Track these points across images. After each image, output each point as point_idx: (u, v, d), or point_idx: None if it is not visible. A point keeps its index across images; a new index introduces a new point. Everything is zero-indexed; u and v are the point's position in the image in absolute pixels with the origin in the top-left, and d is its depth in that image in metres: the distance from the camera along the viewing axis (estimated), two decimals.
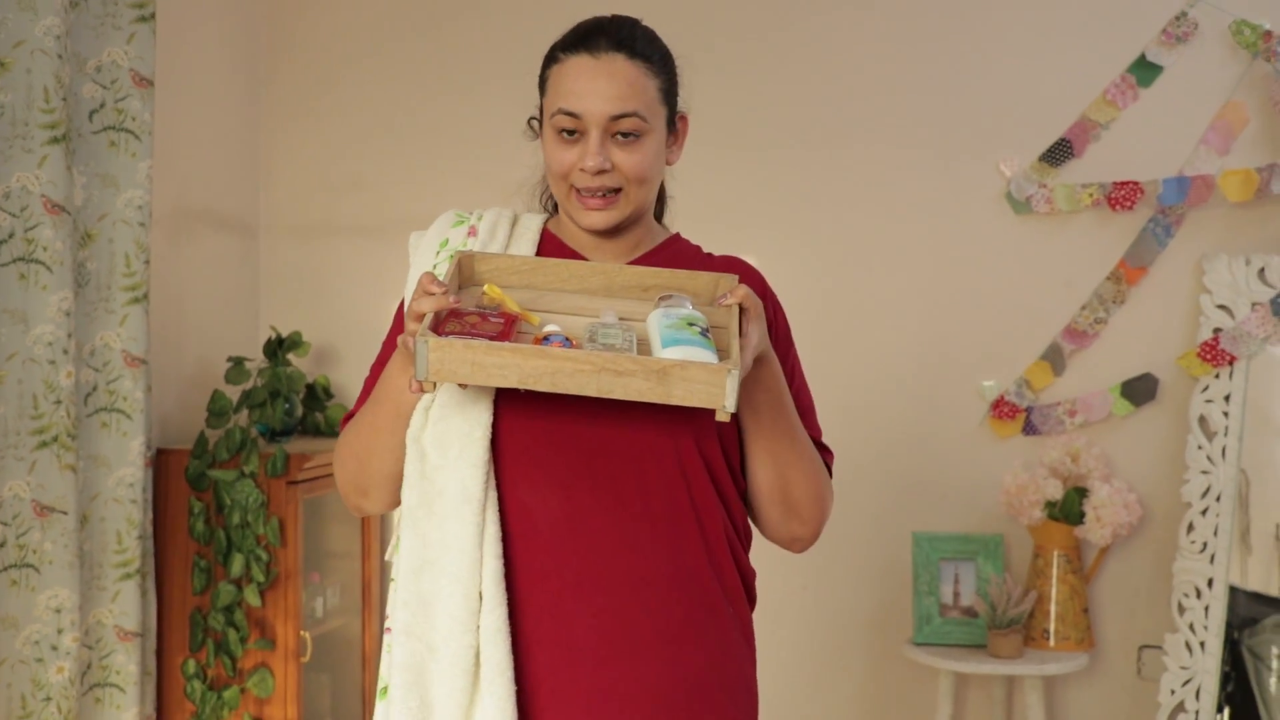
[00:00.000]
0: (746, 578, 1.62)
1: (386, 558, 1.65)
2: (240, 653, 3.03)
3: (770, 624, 3.39)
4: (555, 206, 1.72)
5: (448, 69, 3.57)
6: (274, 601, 3.05)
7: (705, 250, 1.72)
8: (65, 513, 2.69)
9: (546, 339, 1.42)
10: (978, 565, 3.12)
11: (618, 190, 1.57)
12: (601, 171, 1.54)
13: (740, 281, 1.56)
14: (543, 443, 1.51)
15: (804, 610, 3.34)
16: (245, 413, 3.21)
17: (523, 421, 1.51)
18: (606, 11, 1.64)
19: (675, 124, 1.65)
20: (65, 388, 2.68)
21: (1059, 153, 3.19)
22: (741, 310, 1.49)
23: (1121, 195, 3.12)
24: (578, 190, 1.57)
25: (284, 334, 3.39)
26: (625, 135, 1.55)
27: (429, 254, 1.63)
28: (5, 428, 2.63)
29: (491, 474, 1.50)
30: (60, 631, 2.69)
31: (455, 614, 1.45)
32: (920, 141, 3.30)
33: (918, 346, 3.30)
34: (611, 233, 1.63)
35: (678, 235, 1.74)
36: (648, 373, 1.35)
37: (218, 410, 3.14)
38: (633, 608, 1.49)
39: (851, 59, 3.35)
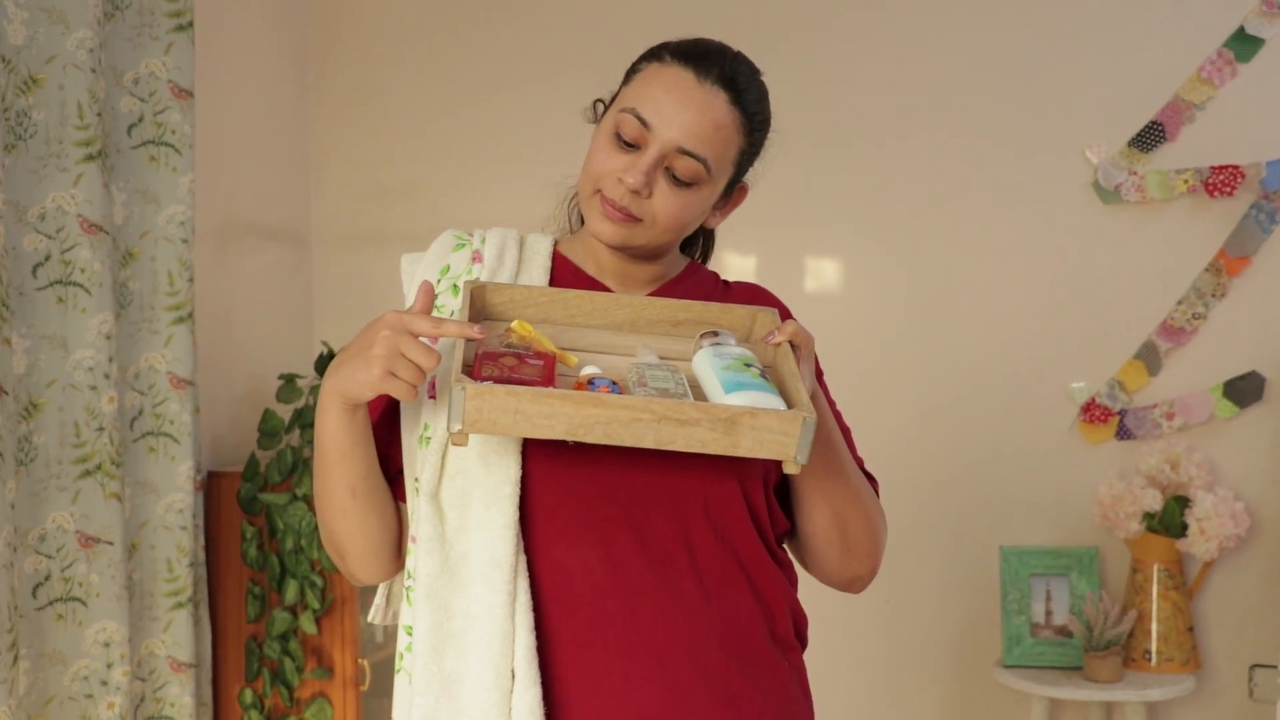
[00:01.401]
0: (799, 624, 1.47)
1: (371, 618, 1.50)
2: (297, 682, 2.92)
3: (849, 638, 3.25)
4: (583, 221, 1.56)
5: (499, 70, 3.44)
6: (330, 629, 2.93)
7: (723, 278, 1.58)
8: (111, 543, 2.60)
9: (591, 383, 1.27)
10: (1071, 581, 2.92)
11: (639, 220, 1.40)
12: (635, 193, 1.38)
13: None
14: (577, 496, 1.35)
15: (885, 626, 3.16)
16: (298, 432, 3.11)
17: (552, 472, 1.35)
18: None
19: (734, 190, 1.49)
20: (108, 414, 2.59)
21: (1150, 137, 2.98)
22: (793, 347, 1.34)
23: (1220, 180, 2.90)
24: (603, 195, 1.41)
25: (337, 349, 3.28)
26: (677, 177, 1.39)
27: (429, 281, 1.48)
28: (47, 457, 2.54)
29: (519, 534, 1.34)
30: (110, 666, 2.61)
31: (486, 696, 1.29)
32: (1000, 129, 3.10)
33: (1001, 348, 3.10)
34: (634, 261, 1.48)
35: (695, 263, 1.59)
36: (714, 422, 1.20)
37: (269, 430, 3.04)
38: (686, 673, 1.34)
39: (926, 44, 3.16)
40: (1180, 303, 2.96)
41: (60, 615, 2.56)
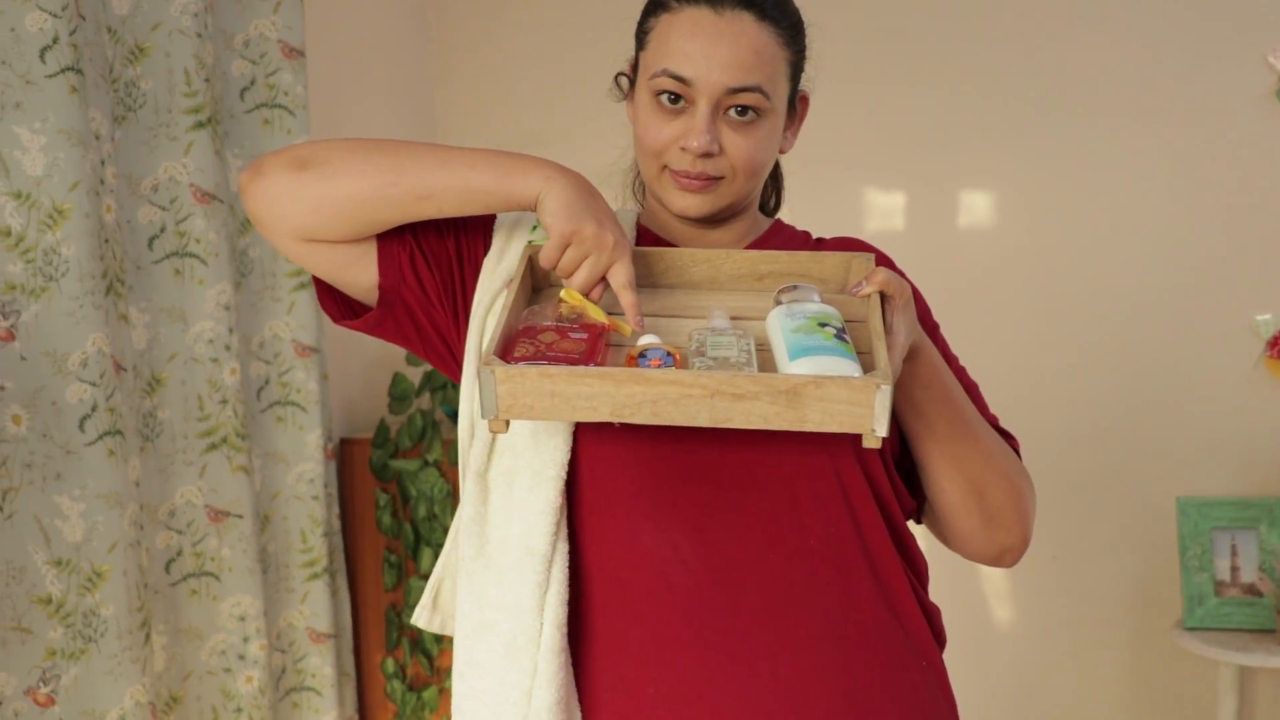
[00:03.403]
0: (932, 617, 1.31)
1: (415, 620, 1.39)
2: (437, 651, 2.87)
3: (1016, 598, 3.05)
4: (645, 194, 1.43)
5: (628, 12, 3.28)
6: None
7: (815, 236, 1.42)
8: (241, 516, 2.57)
9: (643, 355, 1.12)
10: (1260, 535, 2.66)
11: (719, 178, 1.27)
12: (707, 154, 1.24)
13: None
14: (662, 477, 1.21)
15: (1053, 584, 2.95)
16: (428, 395, 3.04)
17: (638, 447, 1.21)
18: None
19: (795, 104, 1.34)
20: (230, 385, 2.55)
21: None
22: (884, 299, 1.17)
23: None
24: (671, 169, 1.27)
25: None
26: (741, 114, 1.25)
27: (520, 239, 1.34)
28: (172, 432, 2.51)
29: (564, 522, 1.21)
30: (246, 640, 2.58)
31: (506, 694, 1.19)
32: (1169, 36, 2.82)
33: (1176, 279, 2.84)
34: (714, 223, 1.33)
35: (780, 221, 1.44)
36: (774, 394, 1.05)
37: (399, 394, 2.98)
38: (799, 678, 1.18)
39: None
40: None
41: (194, 590, 2.54)
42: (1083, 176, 2.92)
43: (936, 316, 1.41)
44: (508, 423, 1.10)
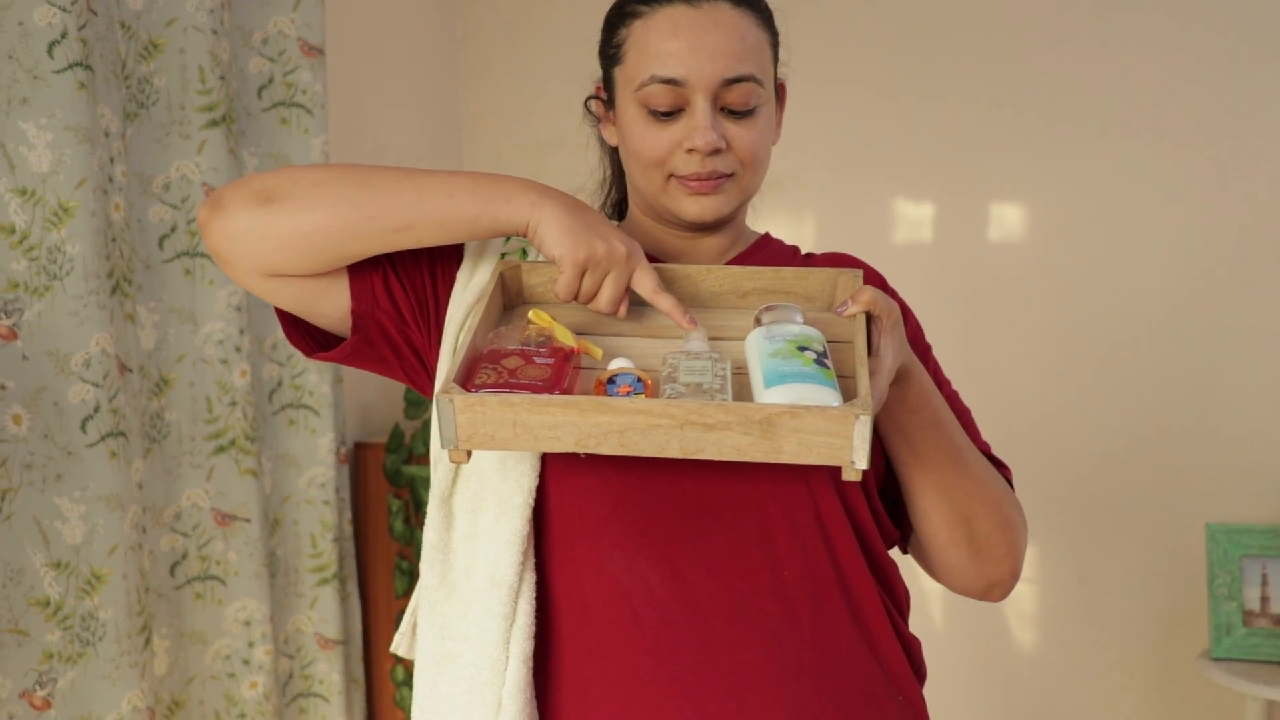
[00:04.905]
0: (911, 651, 1.25)
1: (394, 649, 1.34)
2: None
3: (1039, 619, 2.97)
4: (621, 212, 1.37)
5: None
6: None
7: (804, 251, 1.36)
8: (248, 520, 2.54)
9: (612, 381, 1.07)
10: None
11: (729, 175, 1.21)
12: (715, 151, 1.18)
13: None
14: (632, 503, 1.16)
15: (1078, 608, 2.87)
16: None
17: (608, 474, 1.16)
18: None
19: (780, 93, 1.29)
20: (240, 388, 2.52)
21: None
22: (870, 319, 1.11)
23: None
24: (678, 176, 1.21)
25: None
26: (738, 109, 1.19)
27: (493, 252, 1.28)
28: (179, 434, 2.48)
29: (531, 552, 1.16)
30: (251, 645, 2.55)
31: None
32: (1200, 48, 2.74)
33: (1207, 296, 2.76)
34: (706, 230, 1.28)
35: (768, 235, 1.37)
36: (747, 425, 0.99)
37: (414, 399, 2.94)
38: (769, 713, 1.13)
39: None
40: None
41: (199, 594, 2.51)
42: (1114, 191, 2.84)
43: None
44: (469, 453, 1.05)
